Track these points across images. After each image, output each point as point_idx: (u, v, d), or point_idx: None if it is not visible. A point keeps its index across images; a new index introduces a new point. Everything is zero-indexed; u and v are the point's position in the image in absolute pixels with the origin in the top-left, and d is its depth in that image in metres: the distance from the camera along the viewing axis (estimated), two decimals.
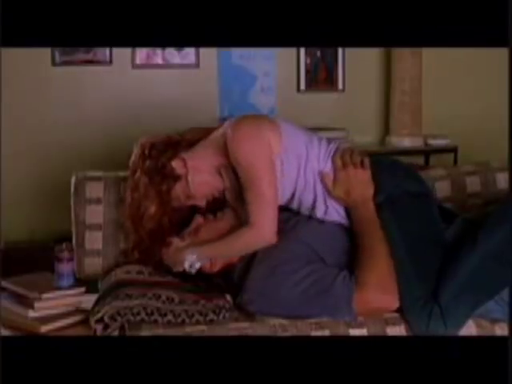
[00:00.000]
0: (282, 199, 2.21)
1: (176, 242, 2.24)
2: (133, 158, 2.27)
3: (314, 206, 2.21)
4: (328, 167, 2.19)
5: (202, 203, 2.27)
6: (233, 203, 2.26)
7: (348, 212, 2.20)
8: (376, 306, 2.01)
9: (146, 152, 2.23)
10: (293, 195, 2.21)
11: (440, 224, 2.16)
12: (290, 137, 2.17)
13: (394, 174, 2.21)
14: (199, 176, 2.21)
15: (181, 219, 2.30)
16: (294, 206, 2.25)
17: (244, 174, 2.10)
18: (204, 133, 2.30)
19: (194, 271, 2.18)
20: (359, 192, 2.15)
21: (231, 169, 2.17)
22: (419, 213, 2.13)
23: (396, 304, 2.01)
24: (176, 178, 2.20)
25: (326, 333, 2.00)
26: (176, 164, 2.21)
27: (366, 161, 2.18)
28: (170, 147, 2.24)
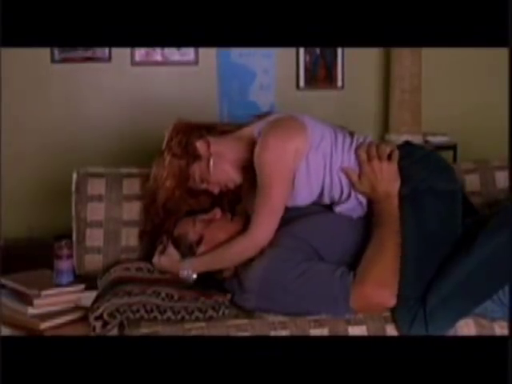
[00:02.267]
0: (311, 198, 2.21)
1: (171, 252, 2.25)
2: (165, 138, 2.31)
3: (340, 199, 2.21)
4: (352, 162, 2.18)
5: (215, 190, 2.29)
6: (246, 201, 2.30)
7: (370, 203, 2.19)
8: (371, 301, 2.00)
9: (175, 132, 2.28)
10: (322, 193, 2.21)
11: (459, 226, 2.12)
12: (317, 137, 2.17)
13: (424, 168, 2.16)
14: (220, 163, 2.24)
15: (199, 207, 2.33)
16: (327, 201, 2.24)
17: (261, 182, 2.13)
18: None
19: (190, 281, 2.20)
20: (384, 187, 2.12)
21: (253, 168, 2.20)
22: (440, 213, 2.08)
23: (392, 301, 1.99)
24: (196, 157, 2.23)
25: (325, 330, 2.00)
26: (200, 145, 2.24)
27: (395, 154, 2.14)
28: (199, 129, 2.28)
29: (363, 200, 2.19)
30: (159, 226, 2.31)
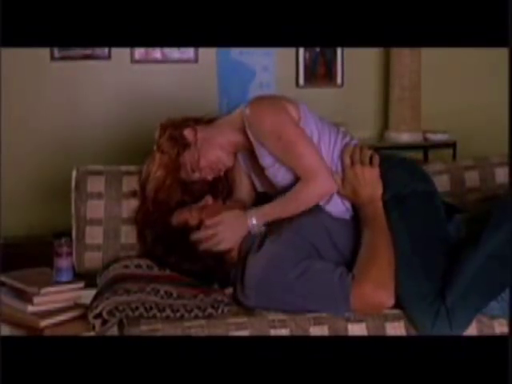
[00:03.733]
0: (291, 177, 2.21)
1: (233, 212, 2.22)
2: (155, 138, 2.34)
3: None
4: (336, 154, 2.21)
5: (208, 176, 2.31)
6: (237, 192, 2.35)
7: (355, 207, 2.21)
8: (371, 302, 2.00)
9: (163, 130, 2.32)
10: None
11: (445, 223, 2.16)
12: (305, 113, 2.20)
13: (403, 172, 2.21)
14: (208, 148, 2.26)
15: (193, 200, 2.33)
16: None
17: (276, 147, 2.14)
18: None
19: (259, 232, 2.18)
20: (367, 191, 2.15)
21: (248, 153, 2.23)
22: (426, 212, 2.13)
23: (391, 301, 2.01)
24: (185, 145, 2.26)
25: (325, 328, 2.00)
26: (187, 132, 2.28)
27: (376, 159, 2.18)
28: (186, 121, 2.31)
29: (348, 204, 2.22)
30: (150, 217, 2.32)
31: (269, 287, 2.05)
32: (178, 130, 2.28)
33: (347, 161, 2.18)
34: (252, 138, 2.19)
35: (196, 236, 2.21)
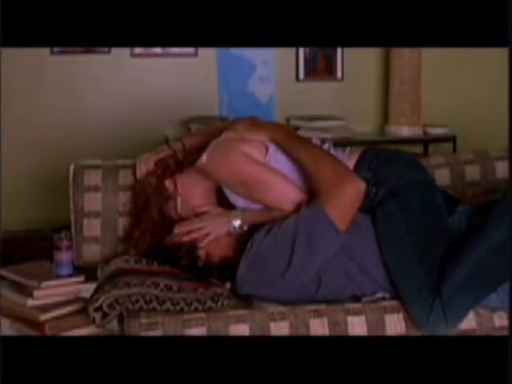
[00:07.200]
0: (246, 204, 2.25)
1: (214, 209, 2.29)
2: (138, 174, 2.39)
3: None
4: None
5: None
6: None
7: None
8: (347, 201, 2.01)
9: (147, 173, 2.37)
10: None
11: (445, 213, 2.16)
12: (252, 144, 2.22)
13: (395, 166, 2.21)
14: (187, 201, 2.31)
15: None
16: None
17: (243, 191, 2.19)
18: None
19: (239, 231, 2.23)
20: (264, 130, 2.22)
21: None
22: (424, 203, 2.13)
23: (361, 183, 2.02)
24: (167, 197, 2.31)
25: (325, 320, 2.01)
26: (168, 184, 2.32)
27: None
28: (169, 168, 2.35)
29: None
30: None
31: (260, 262, 2.07)
32: (158, 180, 2.32)
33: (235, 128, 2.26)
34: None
35: (182, 228, 2.26)
